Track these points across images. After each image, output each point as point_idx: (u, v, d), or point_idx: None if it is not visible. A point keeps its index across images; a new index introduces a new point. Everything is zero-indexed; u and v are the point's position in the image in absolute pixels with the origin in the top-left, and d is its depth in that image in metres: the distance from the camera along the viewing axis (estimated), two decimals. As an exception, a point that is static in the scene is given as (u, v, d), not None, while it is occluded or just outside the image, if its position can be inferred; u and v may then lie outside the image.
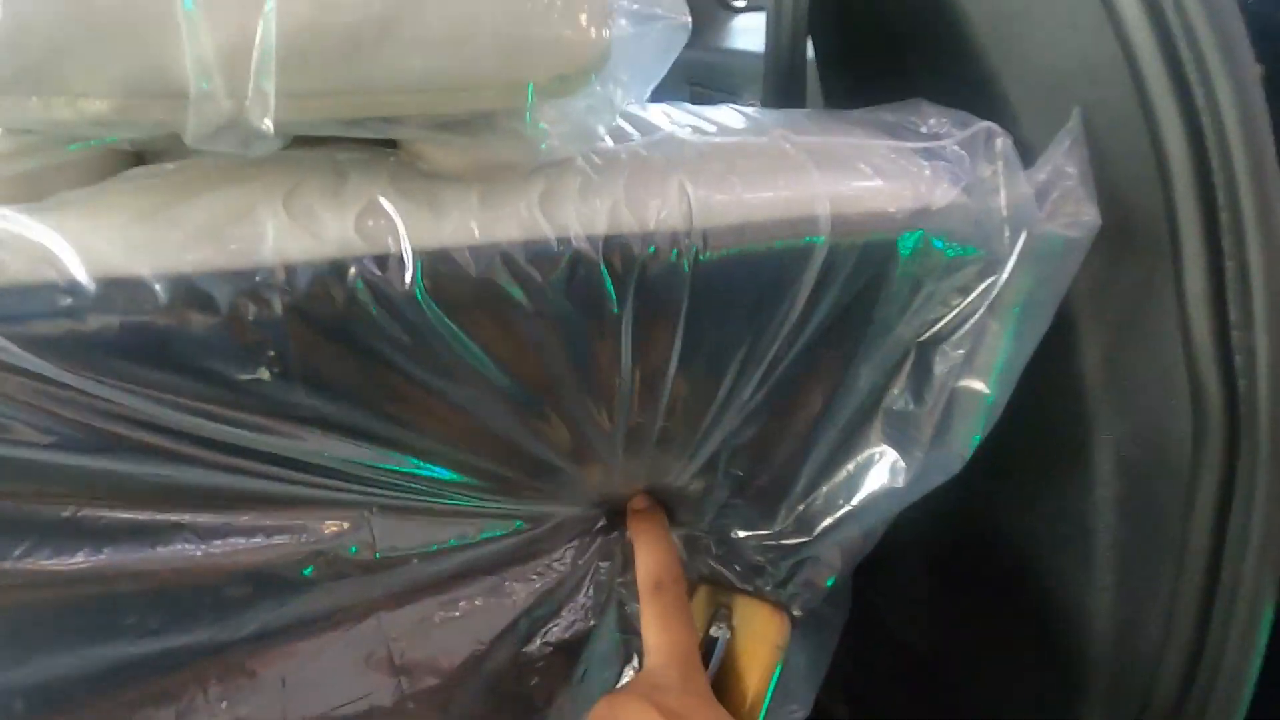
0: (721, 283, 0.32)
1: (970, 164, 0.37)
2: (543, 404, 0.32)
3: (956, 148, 0.37)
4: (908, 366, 0.40)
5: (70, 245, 0.22)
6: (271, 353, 0.25)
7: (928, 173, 0.36)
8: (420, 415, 0.30)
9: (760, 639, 0.41)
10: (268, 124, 0.22)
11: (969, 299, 0.38)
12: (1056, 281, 0.42)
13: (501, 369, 0.30)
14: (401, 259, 0.25)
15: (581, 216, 0.28)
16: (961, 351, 0.39)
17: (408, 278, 0.25)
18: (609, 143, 0.32)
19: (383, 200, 0.26)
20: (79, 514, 0.26)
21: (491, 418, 0.32)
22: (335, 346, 0.26)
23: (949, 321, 0.39)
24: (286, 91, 0.22)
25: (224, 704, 0.31)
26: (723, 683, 0.40)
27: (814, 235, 0.32)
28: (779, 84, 0.56)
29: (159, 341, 0.24)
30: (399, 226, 0.25)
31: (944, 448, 0.42)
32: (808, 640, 0.58)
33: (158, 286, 0.23)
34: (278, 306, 0.24)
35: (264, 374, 0.26)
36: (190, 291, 0.23)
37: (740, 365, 0.36)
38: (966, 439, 0.42)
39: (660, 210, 0.29)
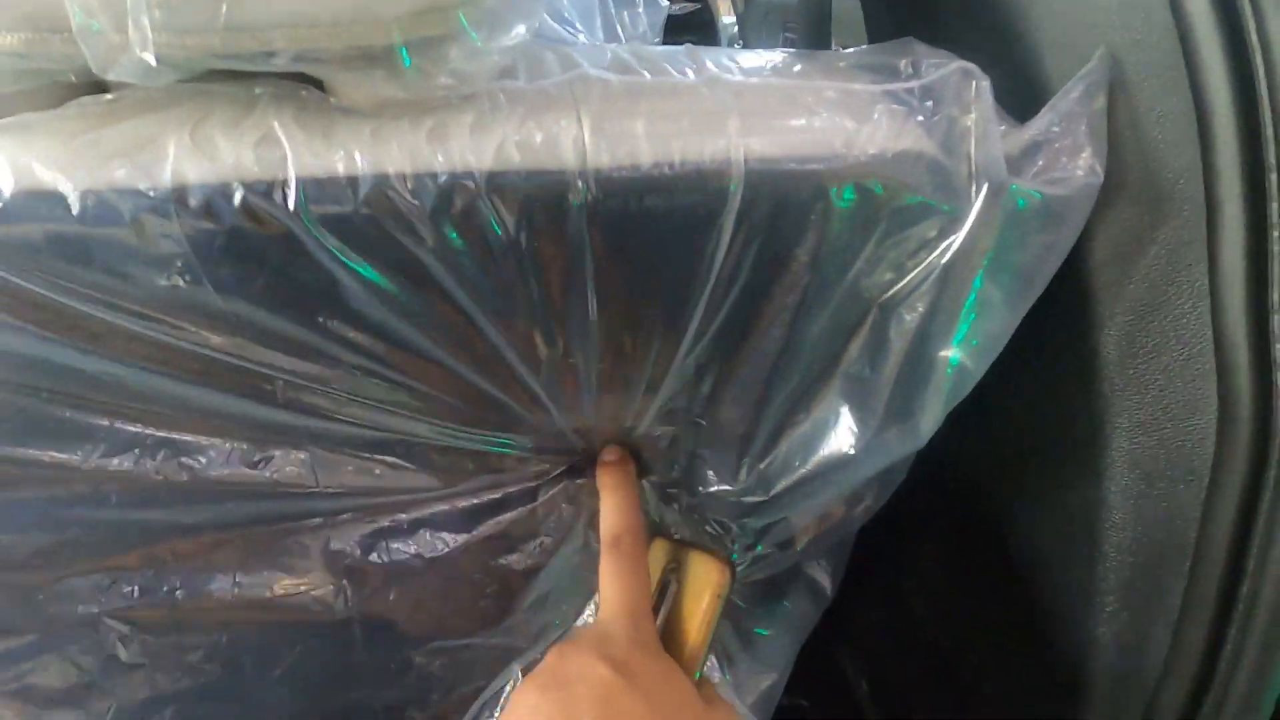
0: (630, 224, 0.33)
1: (936, 108, 0.35)
2: (458, 334, 0.34)
3: (920, 90, 0.35)
4: (866, 328, 0.39)
5: (6, 159, 0.27)
6: (179, 264, 0.29)
7: (876, 116, 0.34)
8: (342, 335, 0.34)
9: (703, 588, 0.43)
10: (149, 57, 0.25)
11: (929, 258, 0.36)
12: (1048, 245, 0.38)
13: (409, 296, 0.33)
14: (285, 184, 0.28)
15: (467, 151, 0.30)
16: (915, 315, 0.37)
17: (291, 202, 0.28)
18: (521, 79, 0.33)
19: (278, 129, 0.29)
20: (26, 406, 0.32)
21: (411, 342, 0.35)
22: (238, 263, 0.30)
23: (908, 282, 0.37)
24: (164, 27, 0.25)
25: (179, 578, 0.37)
26: (669, 631, 0.42)
27: (725, 179, 0.32)
28: (805, 25, 0.54)
29: (82, 248, 0.28)
30: (287, 154, 0.28)
31: (903, 417, 0.40)
32: (788, 610, 0.58)
33: (71, 199, 0.27)
34: (175, 223, 0.28)
35: (178, 281, 0.30)
36: (100, 205, 0.27)
37: (673, 310, 0.36)
38: (928, 409, 0.40)
39: (549, 147, 0.30)
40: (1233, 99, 0.36)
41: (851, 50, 0.41)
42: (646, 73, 0.34)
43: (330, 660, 0.44)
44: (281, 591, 0.40)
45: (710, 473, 0.46)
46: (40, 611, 0.38)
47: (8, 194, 0.27)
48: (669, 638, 0.42)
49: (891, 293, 0.38)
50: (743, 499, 0.47)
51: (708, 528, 0.50)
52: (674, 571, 0.45)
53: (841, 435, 0.41)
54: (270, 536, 0.40)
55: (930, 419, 0.40)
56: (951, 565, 0.64)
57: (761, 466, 0.45)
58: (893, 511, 0.53)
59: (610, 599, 0.38)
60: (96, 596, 0.39)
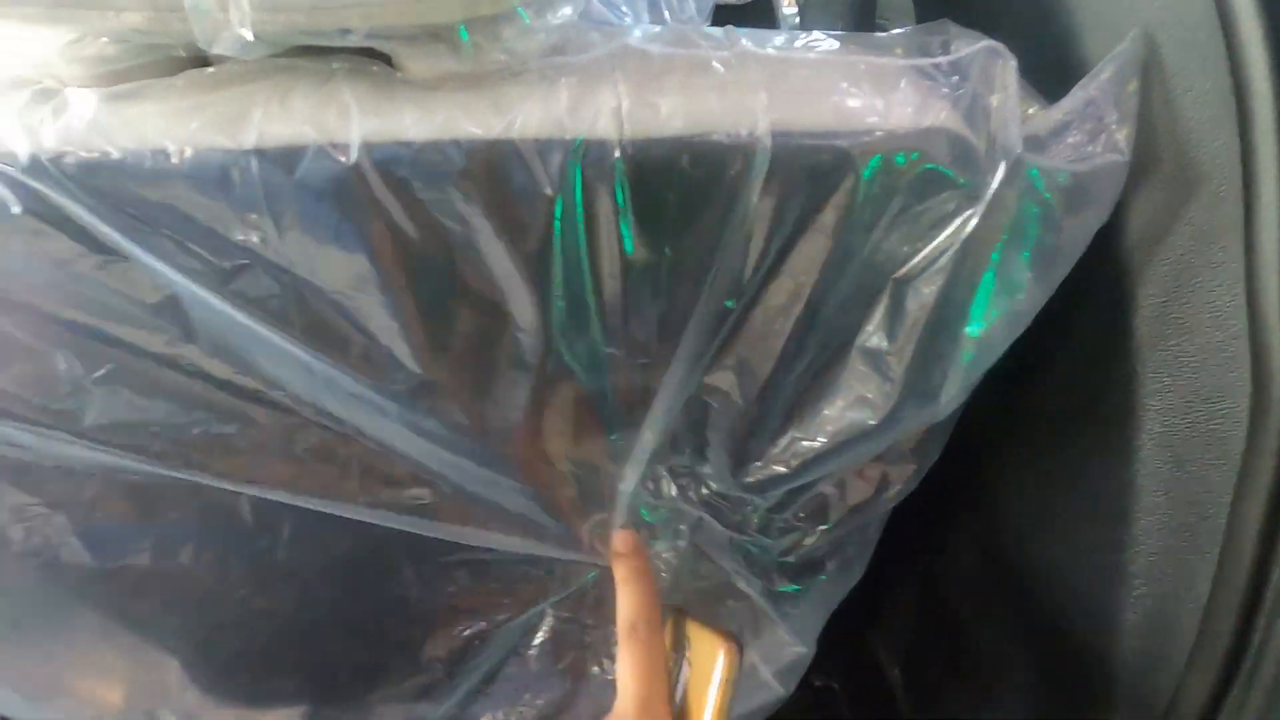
0: (663, 191, 0.36)
1: (961, 84, 0.37)
2: (497, 290, 0.38)
3: (948, 67, 0.37)
4: (884, 301, 0.41)
5: (122, 121, 0.32)
6: (254, 215, 0.34)
7: (901, 90, 0.36)
8: (392, 288, 0.38)
9: (712, 672, 0.44)
10: (247, 33, 0.30)
11: (946, 233, 0.38)
12: (1076, 224, 0.40)
13: (465, 256, 0.36)
14: (350, 146, 0.33)
15: (517, 121, 0.33)
16: (933, 289, 0.39)
17: (351, 161, 0.33)
18: (569, 55, 0.36)
19: (349, 97, 0.33)
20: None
21: (457, 303, 0.38)
22: (308, 219, 0.34)
23: (925, 256, 0.39)
24: (259, 6, 0.30)
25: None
26: (683, 716, 0.44)
27: (752, 150, 0.35)
28: (849, 8, 0.56)
29: (179, 199, 0.33)
30: (353, 120, 0.33)
31: (922, 389, 0.42)
32: (817, 584, 0.60)
33: (173, 156, 0.32)
34: (256, 179, 0.33)
35: (253, 236, 0.35)
36: (196, 161, 0.32)
37: (701, 276, 0.39)
38: (948, 381, 0.42)
39: (589, 118, 0.34)
40: (1272, 77, 0.37)
41: (886, 33, 0.43)
42: (683, 49, 0.37)
43: (371, 551, 0.49)
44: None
45: (730, 452, 0.48)
46: None
47: (127, 150, 0.32)
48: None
49: (909, 266, 0.40)
50: (760, 476, 0.48)
51: (726, 509, 0.52)
52: (685, 653, 0.46)
53: (861, 407, 0.43)
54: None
55: (950, 391, 0.42)
56: (981, 550, 0.65)
57: (783, 441, 0.46)
58: (925, 494, 0.54)
59: (627, 690, 0.40)
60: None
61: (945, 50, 0.39)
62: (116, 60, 0.35)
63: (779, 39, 0.39)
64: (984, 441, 0.60)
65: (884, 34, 0.43)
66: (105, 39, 0.35)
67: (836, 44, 0.40)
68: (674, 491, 0.50)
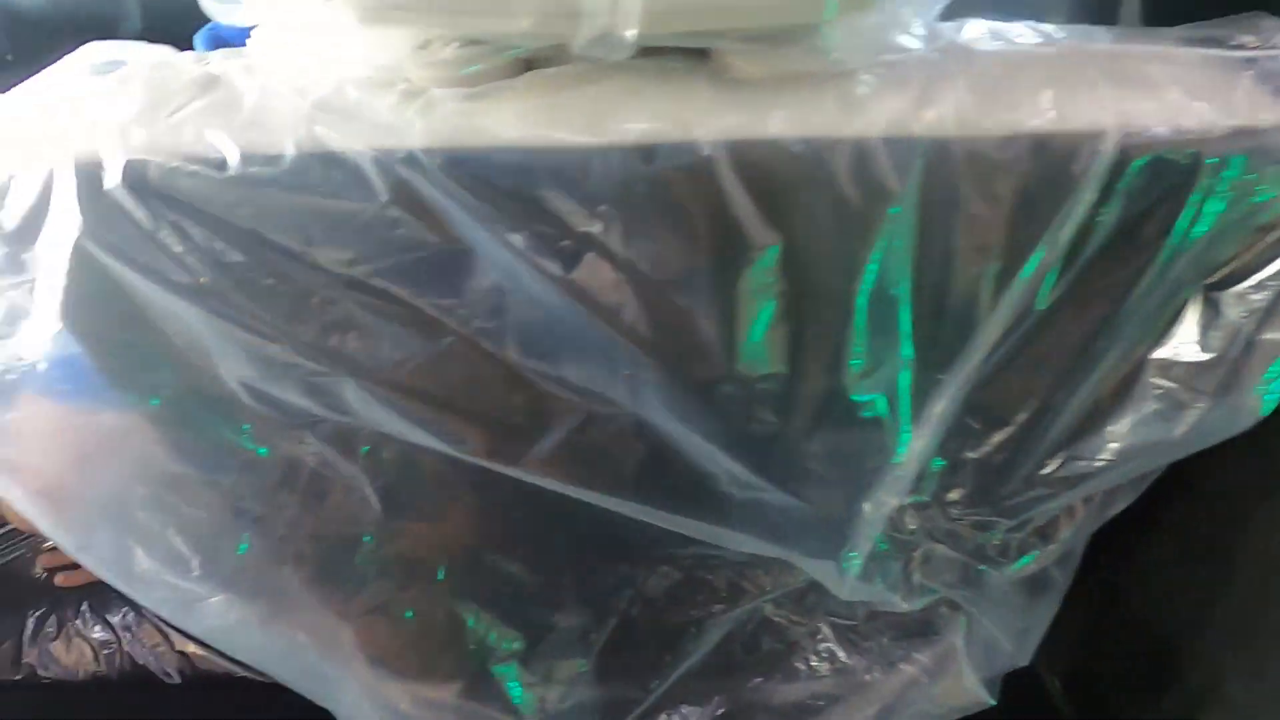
0: (997, 190, 0.36)
1: (1306, 80, 0.36)
2: (821, 291, 0.38)
3: (1292, 61, 0.36)
4: (1196, 309, 0.40)
5: (484, 119, 0.35)
6: (603, 207, 0.36)
7: (1245, 87, 0.35)
8: (721, 278, 0.38)
9: None
10: (630, 35, 0.31)
11: (1277, 236, 0.37)
12: None
13: (798, 248, 0.37)
14: (699, 145, 0.34)
15: (866, 120, 0.34)
16: (1264, 295, 0.38)
17: (706, 155, 0.34)
18: (898, 54, 0.37)
19: (697, 96, 0.35)
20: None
21: (778, 296, 0.39)
22: (655, 210, 0.36)
23: (1249, 261, 0.38)
24: (646, 12, 0.31)
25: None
26: None
27: (1095, 152, 0.34)
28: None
29: (533, 191, 0.35)
30: (707, 116, 0.34)
31: (1233, 400, 0.41)
32: (1027, 600, 0.58)
33: (534, 151, 0.34)
34: (616, 171, 0.34)
35: (597, 227, 0.36)
36: (551, 155, 0.34)
37: (1015, 279, 0.38)
38: (1264, 393, 0.41)
39: (933, 116, 0.34)
40: None
41: (1188, 26, 0.42)
42: (1005, 44, 0.37)
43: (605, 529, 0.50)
44: None
45: (990, 475, 0.46)
46: None
47: (492, 146, 0.34)
48: None
49: (1225, 273, 0.39)
50: (1024, 497, 0.47)
51: (965, 535, 0.50)
52: None
53: (1155, 423, 0.41)
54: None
55: (1261, 402, 0.40)
56: (1198, 563, 0.62)
57: (1053, 463, 0.45)
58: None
59: None
60: None
61: (1271, 43, 0.38)
62: (462, 63, 0.37)
63: (1095, 32, 0.39)
64: (1216, 449, 0.58)
65: (1189, 27, 0.42)
66: (454, 44, 0.37)
67: (1150, 38, 0.39)
68: (915, 525, 0.49)
